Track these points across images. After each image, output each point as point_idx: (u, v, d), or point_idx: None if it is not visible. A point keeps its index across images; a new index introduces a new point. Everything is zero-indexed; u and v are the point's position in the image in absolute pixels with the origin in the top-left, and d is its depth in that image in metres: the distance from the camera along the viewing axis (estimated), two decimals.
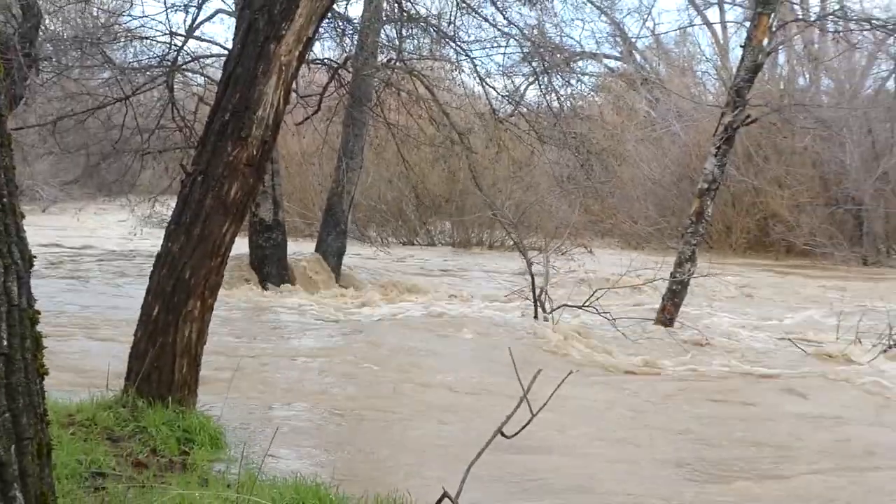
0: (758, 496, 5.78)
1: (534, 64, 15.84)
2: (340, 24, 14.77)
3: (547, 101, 16.04)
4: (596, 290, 11.68)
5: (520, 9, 15.87)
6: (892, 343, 10.72)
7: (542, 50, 15.96)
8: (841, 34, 17.52)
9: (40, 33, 13.67)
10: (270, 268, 13.96)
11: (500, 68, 17.11)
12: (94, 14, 14.54)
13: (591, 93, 25.38)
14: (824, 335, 11.45)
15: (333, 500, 4.33)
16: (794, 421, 7.92)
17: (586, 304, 11.58)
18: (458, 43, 15.49)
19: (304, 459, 5.64)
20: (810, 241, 24.33)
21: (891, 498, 6.02)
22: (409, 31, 15.32)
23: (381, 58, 15.19)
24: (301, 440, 6.34)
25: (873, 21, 16.96)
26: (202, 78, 14.07)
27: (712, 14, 32.01)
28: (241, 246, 11.67)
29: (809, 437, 7.40)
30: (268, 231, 14.10)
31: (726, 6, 31.28)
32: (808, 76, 28.66)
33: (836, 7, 15.83)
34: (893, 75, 28.26)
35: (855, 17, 16.35)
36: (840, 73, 27.52)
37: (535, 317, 11.44)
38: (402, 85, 15.13)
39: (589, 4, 23.34)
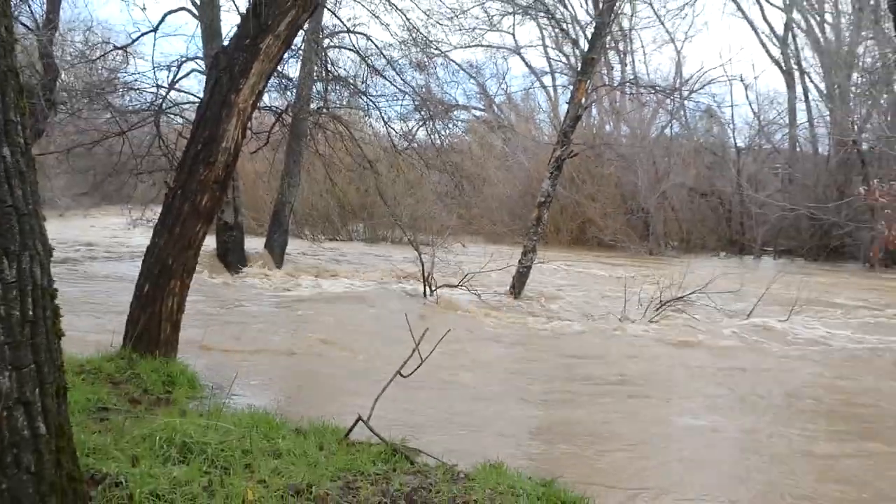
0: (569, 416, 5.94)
1: (422, 112, 15.97)
2: (283, 81, 14.68)
3: (432, 139, 16.21)
4: (467, 274, 11.79)
5: (412, 73, 16.15)
6: (659, 309, 11.08)
7: (428, 103, 16.13)
8: (634, 95, 18.07)
9: (58, 84, 13.41)
10: (232, 257, 13.79)
11: (399, 115, 17.19)
12: (99, 70, 14.12)
13: (463, 133, 25.68)
14: (619, 303, 11.72)
15: (278, 423, 4.30)
16: (591, 361, 8.15)
17: (461, 283, 11.69)
18: (369, 97, 15.65)
19: (258, 396, 5.57)
20: (614, 238, 24.99)
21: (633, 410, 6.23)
22: (334, 87, 15.33)
23: (313, 106, 15.10)
24: (256, 382, 6.27)
25: (656, 87, 17.55)
26: (181, 118, 13.80)
27: (547, 80, 32.72)
28: (210, 241, 11.50)
29: (599, 372, 7.61)
30: (230, 230, 13.92)
31: (557, 74, 31.99)
32: (612, 124, 29.38)
33: (631, 77, 16.30)
34: (669, 125, 29.22)
35: (643, 85, 16.90)
36: (634, 122, 28.29)
37: (424, 294, 11.49)
38: (328, 126, 15.08)
39: (461, 72, 23.77)
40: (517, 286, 12.15)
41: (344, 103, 16.10)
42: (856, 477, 4.77)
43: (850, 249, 24.95)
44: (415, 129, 16.23)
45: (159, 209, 5.95)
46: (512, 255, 12.78)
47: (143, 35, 13.19)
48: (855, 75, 27.08)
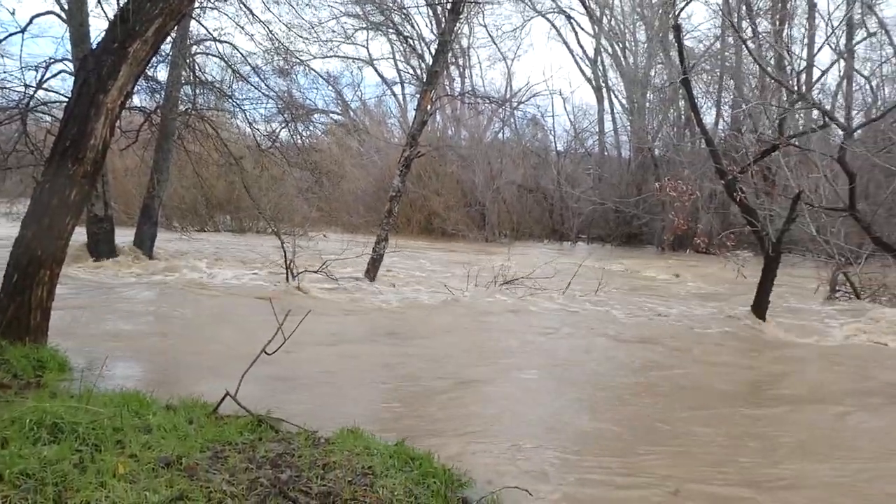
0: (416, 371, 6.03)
1: (285, 115, 15.58)
2: (153, 84, 13.87)
3: (294, 139, 15.87)
4: (326, 261, 11.63)
5: (276, 80, 15.70)
6: (496, 284, 11.45)
7: (290, 107, 15.77)
8: (472, 105, 18.43)
9: None
10: (102, 248, 12.91)
11: (263, 117, 16.71)
12: None
13: (322, 135, 25.28)
14: (461, 281, 11.98)
15: (149, 401, 4.09)
16: (437, 333, 8.29)
17: (320, 269, 11.52)
18: (235, 100, 15.10)
19: (129, 378, 5.26)
20: (455, 228, 25.43)
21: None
22: (201, 91, 14.64)
23: (182, 107, 14.36)
24: (127, 365, 5.91)
25: (490, 98, 17.99)
26: (49, 116, 12.73)
27: (398, 89, 32.79)
28: (80, 233, 10.72)
29: (445, 342, 7.77)
30: (100, 222, 13.02)
31: (405, 84, 32.11)
32: (453, 129, 29.83)
33: (469, 89, 16.59)
34: (502, 130, 30.06)
35: (480, 95, 17.27)
36: (472, 127, 28.87)
37: (287, 279, 11.23)
38: (196, 126, 14.38)
39: (320, 79, 23.44)
40: (371, 271, 12.14)
41: (211, 105, 15.45)
42: (643, 415, 5.13)
43: (646, 236, 26.72)
44: (278, 130, 15.80)
45: (27, 203, 5.50)
46: (367, 243, 12.72)
47: (10, 35, 12.09)
48: (649, 93, 28.93)
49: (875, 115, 12.45)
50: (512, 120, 30.12)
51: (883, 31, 20.74)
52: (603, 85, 30.98)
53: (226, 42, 14.38)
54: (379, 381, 6.06)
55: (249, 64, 14.64)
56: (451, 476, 3.63)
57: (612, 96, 30.99)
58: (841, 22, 18.68)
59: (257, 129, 15.30)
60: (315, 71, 28.29)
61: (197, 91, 14.42)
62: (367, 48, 40.71)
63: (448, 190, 26.30)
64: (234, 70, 14.49)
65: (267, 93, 15.09)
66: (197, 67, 14.23)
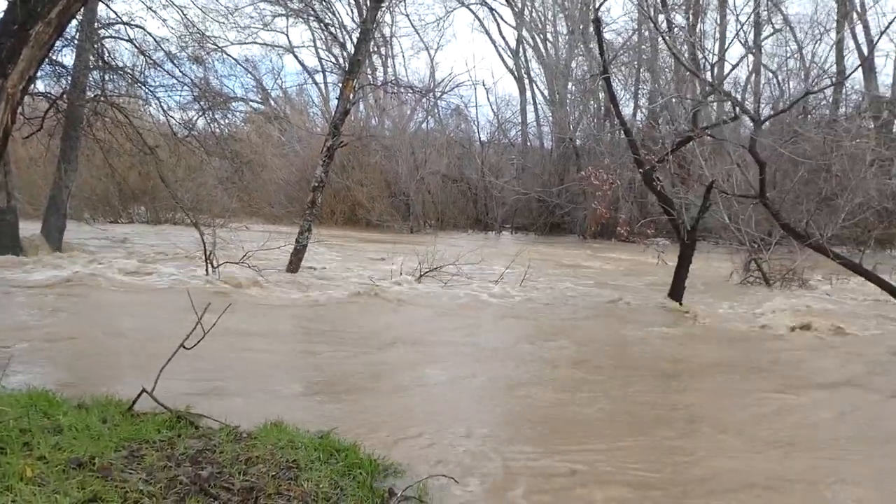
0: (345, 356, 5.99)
1: (202, 103, 15.10)
2: (58, 68, 13.19)
3: (212, 128, 15.41)
4: (248, 252, 11.39)
5: (191, 66, 15.16)
6: (420, 275, 11.48)
7: (207, 94, 15.29)
8: (395, 94, 18.35)
9: None
10: (5, 241, 12.24)
11: (179, 104, 16.06)
12: None
13: (242, 123, 24.66)
14: (384, 272, 11.96)
15: (58, 401, 3.92)
16: (358, 323, 8.27)
17: (241, 260, 11.27)
18: (148, 87, 14.36)
19: (38, 377, 5.01)
20: (380, 219, 25.31)
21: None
22: (111, 76, 14.00)
23: (90, 94, 13.71)
24: (36, 364, 5.63)
25: (413, 88, 17.96)
26: None
27: (319, 77, 32.33)
28: None
29: (366, 331, 7.75)
30: (2, 214, 12.35)
31: (327, 73, 31.68)
32: (377, 118, 29.66)
33: (392, 78, 16.49)
34: (426, 120, 30.09)
35: (403, 85, 17.21)
36: (395, 117, 28.76)
37: (207, 271, 10.94)
38: (106, 113, 13.75)
39: (238, 66, 22.85)
40: (294, 262, 11.96)
41: (122, 92, 14.80)
42: (565, 401, 5.27)
43: (569, 225, 27.29)
44: (195, 118, 15.30)
45: None
46: (290, 234, 12.52)
47: None
48: (570, 85, 29.50)
49: (782, 108, 13.06)
50: (436, 110, 30.17)
51: (788, 28, 21.80)
52: (525, 76, 31.41)
53: (137, 26, 13.81)
54: (304, 374, 6.00)
55: (163, 49, 14.11)
56: (378, 466, 3.64)
57: (535, 87, 31.46)
58: (748, 18, 19.51)
59: (172, 117, 14.78)
60: (233, 58, 27.53)
61: (106, 77, 13.81)
62: (286, 35, 39.91)
63: (372, 180, 26.14)
64: (146, 56, 13.93)
65: (182, 79, 14.59)
66: (106, 52, 13.61)
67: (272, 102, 31.17)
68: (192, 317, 4.33)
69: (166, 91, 15.18)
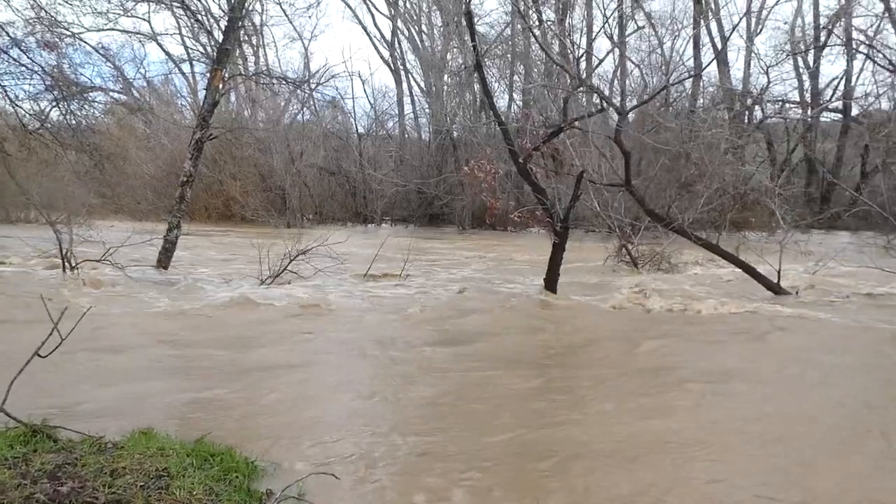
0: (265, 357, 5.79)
1: (55, 93, 14.06)
2: None
3: (67, 120, 14.38)
4: (109, 249, 10.76)
5: (41, 53, 14.07)
6: (273, 276, 10.94)
7: (60, 83, 14.23)
8: (267, 85, 17.85)
9: None
10: None
11: (29, 94, 14.86)
12: None
13: (102, 115, 23.23)
14: (253, 269, 11.51)
15: None
16: (227, 324, 8.01)
17: (102, 258, 10.65)
18: None
19: None
20: (255, 214, 24.65)
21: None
22: None
23: None
24: None
25: (287, 79, 17.55)
26: None
27: (186, 67, 31.02)
28: None
29: (233, 333, 7.53)
30: None
31: (195, 62, 30.46)
32: (249, 110, 28.85)
33: (264, 68, 16.02)
34: (301, 112, 29.51)
35: (275, 76, 16.76)
36: (269, 109, 28.06)
37: (64, 271, 10.24)
38: None
39: (96, 53, 21.56)
40: (164, 259, 11.44)
41: None
42: (440, 391, 5.35)
43: (447, 216, 27.64)
44: (48, 109, 14.21)
45: None
46: (158, 230, 11.94)
47: None
48: (446, 76, 29.83)
49: (644, 99, 13.78)
50: (311, 102, 29.68)
51: (649, 25, 23.03)
52: (401, 67, 31.47)
53: None
54: (174, 379, 5.73)
55: (8, 34, 13.03)
56: (255, 469, 3.55)
57: (411, 79, 31.58)
58: (612, 13, 20.45)
59: (21, 108, 13.69)
60: (88, 45, 25.84)
61: None
62: (149, 22, 38.00)
63: (246, 174, 25.44)
64: None
65: (32, 67, 13.53)
66: None
67: (135, 93, 29.61)
68: (48, 322, 4.04)
69: (13, 79, 14.02)
